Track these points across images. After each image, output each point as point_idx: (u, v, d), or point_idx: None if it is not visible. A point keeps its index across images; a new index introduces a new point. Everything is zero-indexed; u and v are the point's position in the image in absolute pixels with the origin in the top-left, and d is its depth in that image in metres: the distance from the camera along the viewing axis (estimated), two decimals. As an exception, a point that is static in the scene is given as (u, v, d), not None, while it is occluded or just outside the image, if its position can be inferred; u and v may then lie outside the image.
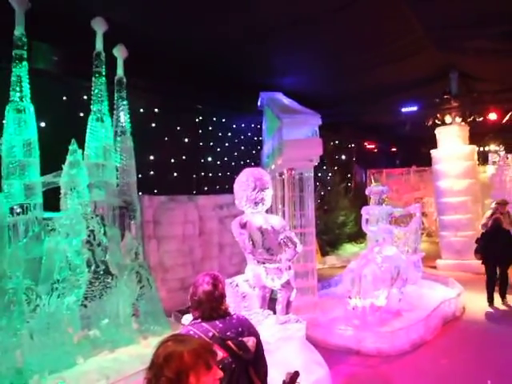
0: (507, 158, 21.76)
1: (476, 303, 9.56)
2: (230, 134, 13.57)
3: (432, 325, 7.74)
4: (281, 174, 8.12)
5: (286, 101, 8.62)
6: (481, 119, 13.78)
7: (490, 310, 9.22)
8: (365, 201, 10.86)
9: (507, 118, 14.36)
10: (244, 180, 4.13)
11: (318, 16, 8.66)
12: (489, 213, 10.47)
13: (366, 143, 21.95)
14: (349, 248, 15.78)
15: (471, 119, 13.57)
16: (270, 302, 4.39)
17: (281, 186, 8.18)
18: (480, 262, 9.67)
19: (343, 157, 19.62)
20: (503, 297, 9.55)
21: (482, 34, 9.88)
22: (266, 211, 4.25)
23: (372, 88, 13.29)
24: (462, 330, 8.17)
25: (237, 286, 3.91)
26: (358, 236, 15.07)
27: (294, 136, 7.55)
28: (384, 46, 10.46)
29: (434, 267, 12.96)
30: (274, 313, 4.32)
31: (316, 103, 11.09)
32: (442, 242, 13.44)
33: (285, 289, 4.19)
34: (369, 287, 7.36)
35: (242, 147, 13.80)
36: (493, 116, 13.79)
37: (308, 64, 11.54)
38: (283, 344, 3.98)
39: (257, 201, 4.09)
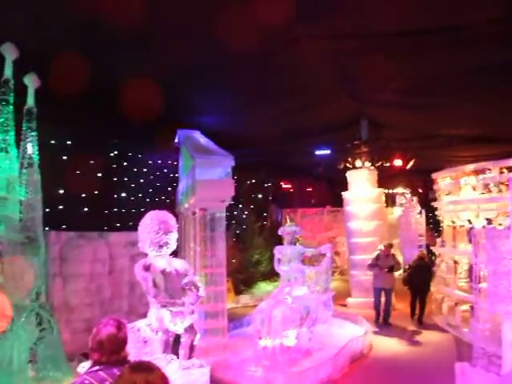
0: (412, 201, 23.29)
1: (383, 340, 9.93)
2: (145, 170, 13.36)
3: (340, 363, 7.86)
4: (194, 213, 8.07)
5: (203, 140, 8.66)
6: (388, 164, 14.67)
7: (395, 347, 9.58)
8: (280, 240, 11.02)
9: (410, 164, 15.41)
10: (148, 222, 4.04)
11: (239, 61, 8.89)
12: (375, 253, 11.52)
13: (282, 183, 22.50)
14: (263, 286, 15.83)
15: (379, 164, 14.39)
16: (174, 346, 4.26)
17: (193, 224, 8.12)
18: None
19: (259, 196, 19.93)
20: (420, 320, 11.32)
21: (388, 88, 10.64)
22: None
23: (289, 131, 13.75)
24: (369, 367, 8.37)
25: (138, 330, 3.75)
26: (273, 274, 15.15)
27: (206, 176, 7.58)
28: (300, 93, 10.92)
29: (345, 305, 13.28)
30: (178, 357, 4.19)
31: (234, 143, 11.28)
32: (351, 281, 13.87)
33: (188, 333, 4.08)
34: (278, 327, 7.39)
35: (158, 183, 13.62)
36: (398, 162, 14.76)
37: (227, 105, 11.77)
38: (185, 391, 3.86)
39: (161, 244, 4.01)
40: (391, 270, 11.22)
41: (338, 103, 11.81)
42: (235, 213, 15.31)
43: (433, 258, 22.41)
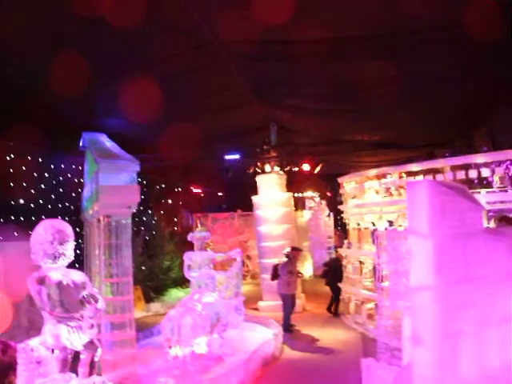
0: (321, 204, 24.09)
1: (294, 342, 10.09)
2: (47, 175, 12.54)
3: (252, 367, 7.86)
4: (98, 220, 7.66)
5: (109, 144, 8.27)
6: (296, 169, 15.00)
7: (306, 347, 9.76)
8: (191, 245, 10.83)
9: (318, 169, 15.91)
10: (41, 232, 3.71)
11: (146, 64, 8.65)
12: (283, 260, 11.51)
13: (192, 187, 22.25)
14: (174, 293, 15.48)
15: (288, 168, 14.68)
16: (74, 364, 3.95)
17: (98, 232, 7.70)
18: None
19: (169, 201, 19.53)
20: (336, 313, 12.24)
21: (297, 94, 10.87)
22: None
23: (198, 135, 13.59)
24: (281, 369, 8.47)
25: (31, 350, 3.43)
26: (184, 281, 14.81)
27: (111, 182, 7.22)
28: (209, 97, 10.84)
29: (257, 309, 13.35)
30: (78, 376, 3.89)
31: (142, 147, 10.93)
32: (262, 285, 13.98)
33: (87, 349, 3.81)
34: (188, 335, 7.22)
35: (61, 189, 12.84)
36: (306, 167, 15.15)
37: (134, 107, 11.37)
38: (85, 412, 3.59)
39: (56, 255, 3.70)
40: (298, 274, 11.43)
41: (248, 108, 11.88)
42: (144, 219, 14.83)
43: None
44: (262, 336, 9.49)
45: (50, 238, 3.64)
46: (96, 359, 3.82)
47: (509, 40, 7.22)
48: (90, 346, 3.82)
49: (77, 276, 3.80)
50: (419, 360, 5.38)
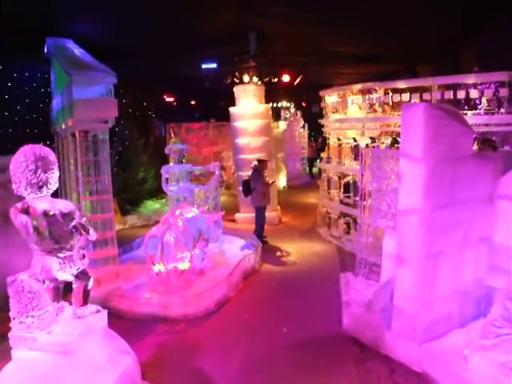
0: (297, 115, 23.82)
1: (272, 255, 10.35)
2: (10, 85, 11.74)
3: (234, 281, 8.07)
4: (73, 136, 7.30)
5: (77, 52, 7.67)
6: (276, 80, 14.52)
7: (284, 260, 10.06)
8: (165, 156, 10.62)
9: (298, 80, 15.44)
10: (22, 160, 3.43)
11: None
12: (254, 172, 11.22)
13: (165, 96, 21.48)
14: (150, 205, 15.47)
15: (267, 79, 14.19)
16: (66, 294, 3.89)
17: (73, 148, 7.38)
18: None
19: (142, 110, 18.85)
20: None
21: (279, 1, 10.19)
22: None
23: (173, 42, 12.83)
24: (261, 281, 8.71)
25: (22, 283, 3.32)
26: (159, 192, 14.79)
27: (85, 94, 6.77)
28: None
29: (234, 220, 13.50)
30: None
31: (112, 54, 10.24)
32: (240, 197, 14.02)
33: (79, 279, 3.73)
34: (171, 252, 7.27)
35: (27, 100, 12.12)
36: (286, 78, 14.66)
37: (103, 9, 10.47)
38: (83, 340, 3.57)
39: (40, 184, 3.47)
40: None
41: (226, 13, 11.14)
42: (116, 129, 14.31)
43: (313, 170, 23.70)
44: (241, 249, 9.64)
45: (33, 167, 3.38)
46: (88, 288, 3.76)
47: None
48: (82, 275, 3.74)
49: (64, 205, 3.60)
50: (402, 278, 5.59)
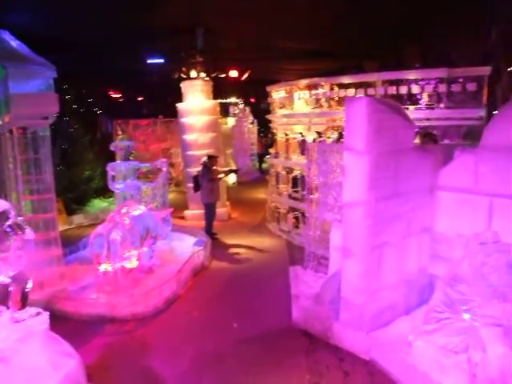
0: (245, 111, 23.82)
1: (222, 250, 10.32)
2: None
3: (183, 278, 7.99)
4: (11, 132, 6.97)
5: (14, 43, 7.29)
6: (223, 75, 14.45)
7: (234, 255, 10.04)
8: (112, 153, 10.36)
9: (246, 75, 15.44)
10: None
11: None
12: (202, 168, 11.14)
13: (111, 92, 20.97)
14: (97, 204, 15.03)
15: (215, 75, 14.11)
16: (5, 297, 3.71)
17: (11, 145, 7.04)
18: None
19: (87, 107, 18.30)
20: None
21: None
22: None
23: (117, 34, 12.52)
24: (211, 278, 8.67)
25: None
26: (107, 190, 14.37)
27: (23, 89, 6.47)
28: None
29: (183, 217, 13.37)
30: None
31: (53, 47, 9.88)
32: (188, 194, 13.89)
33: (17, 281, 3.56)
34: (118, 250, 7.10)
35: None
36: (233, 73, 14.63)
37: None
38: (22, 345, 3.42)
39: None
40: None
41: (172, 6, 10.96)
42: (61, 126, 13.79)
43: (263, 165, 23.81)
44: (191, 246, 9.54)
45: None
46: (27, 290, 3.60)
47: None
48: (20, 277, 3.58)
49: (-3, 204, 3.43)
50: (348, 270, 5.71)
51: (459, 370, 4.59)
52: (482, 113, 8.31)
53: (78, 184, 14.30)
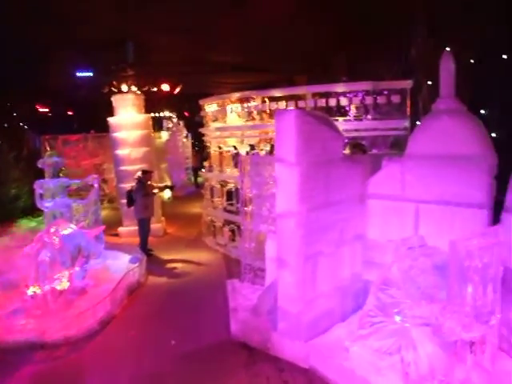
0: (179, 124, 23.71)
1: (158, 267, 10.15)
2: None
3: (118, 297, 7.75)
4: None
5: None
6: (155, 89, 14.32)
7: (171, 271, 9.88)
8: (40, 170, 9.95)
9: (178, 89, 15.39)
10: None
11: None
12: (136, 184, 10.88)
13: (38, 106, 20.17)
14: (25, 224, 14.33)
15: (146, 89, 13.94)
16: None
17: None
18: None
19: (12, 122, 17.44)
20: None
21: (160, 9, 10.06)
22: None
23: (47, 47, 12.09)
24: (147, 295, 8.49)
25: None
26: (35, 209, 13.76)
27: None
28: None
29: (117, 235, 13.02)
30: None
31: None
32: (122, 210, 13.53)
33: None
34: (47, 272, 6.80)
35: None
36: (165, 87, 14.53)
37: None
38: None
39: None
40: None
41: (101, 19, 10.75)
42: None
43: (198, 179, 23.71)
44: (125, 264, 9.29)
45: None
46: None
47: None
48: None
49: None
50: (283, 280, 5.77)
51: (393, 370, 4.76)
52: (407, 123, 8.71)
53: (4, 203, 13.61)
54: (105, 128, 15.11)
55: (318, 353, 5.47)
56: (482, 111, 9.04)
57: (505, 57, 8.88)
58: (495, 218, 5.31)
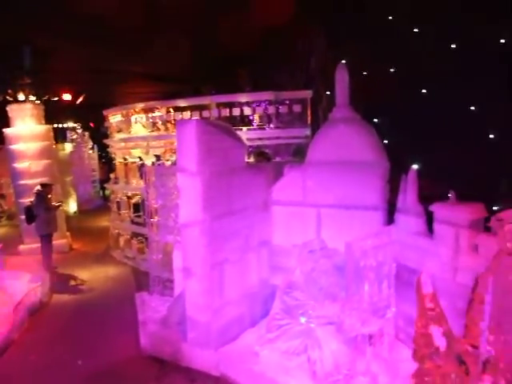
0: (84, 136, 22.82)
1: (64, 284, 9.71)
2: None
3: (18, 320, 7.29)
4: None
5: None
6: (56, 99, 13.70)
7: (77, 288, 9.50)
8: None
9: (80, 99, 14.87)
10: None
11: None
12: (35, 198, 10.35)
13: None
14: None
15: (46, 98, 13.28)
16: None
17: None
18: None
19: None
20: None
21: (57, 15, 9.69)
22: None
23: None
24: (51, 316, 8.09)
25: None
26: None
27: None
28: None
29: (17, 253, 12.24)
30: None
31: None
32: (22, 226, 12.76)
33: None
34: None
35: None
36: (67, 96, 13.96)
37: None
38: None
39: None
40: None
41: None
42: None
43: (106, 192, 22.97)
44: (26, 283, 8.76)
45: None
46: None
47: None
48: None
49: None
50: (191, 289, 5.77)
51: (301, 369, 4.95)
52: (308, 132, 9.07)
53: None
54: (1, 141, 14.21)
55: (229, 360, 5.52)
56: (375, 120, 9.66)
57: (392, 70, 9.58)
58: (390, 219, 5.67)
